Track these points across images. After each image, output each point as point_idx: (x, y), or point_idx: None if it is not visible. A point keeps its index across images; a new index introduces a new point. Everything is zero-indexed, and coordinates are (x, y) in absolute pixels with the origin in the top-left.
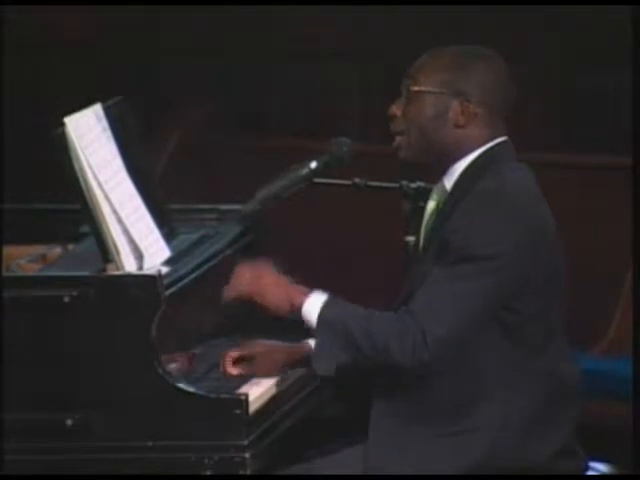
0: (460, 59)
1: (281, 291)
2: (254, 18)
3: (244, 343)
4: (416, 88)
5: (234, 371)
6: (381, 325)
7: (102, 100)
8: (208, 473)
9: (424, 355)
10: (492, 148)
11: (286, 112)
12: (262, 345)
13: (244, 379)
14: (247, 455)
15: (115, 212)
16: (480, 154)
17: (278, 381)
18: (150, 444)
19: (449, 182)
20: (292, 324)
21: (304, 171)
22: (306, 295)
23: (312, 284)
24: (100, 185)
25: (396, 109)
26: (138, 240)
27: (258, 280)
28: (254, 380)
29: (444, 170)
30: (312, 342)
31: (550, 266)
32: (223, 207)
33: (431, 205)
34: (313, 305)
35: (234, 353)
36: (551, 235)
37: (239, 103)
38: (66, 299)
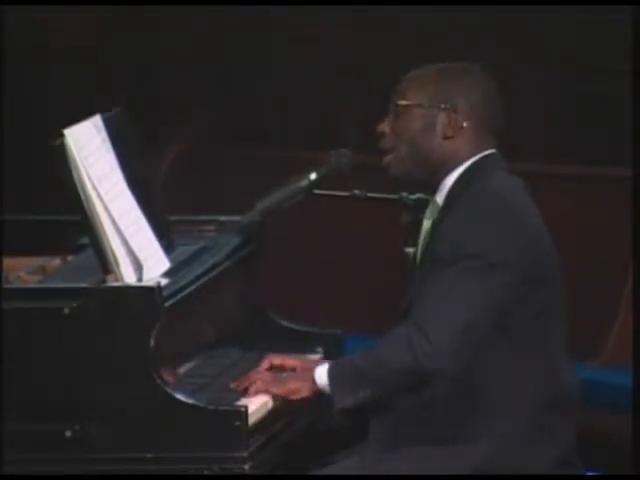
0: (446, 74)
1: (301, 380)
2: (254, 19)
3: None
4: (404, 102)
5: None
6: (384, 345)
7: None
8: None
9: (426, 349)
10: (480, 160)
11: (285, 121)
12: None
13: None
14: (247, 467)
15: (114, 223)
16: (468, 166)
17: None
18: (149, 456)
19: (440, 197)
20: (291, 336)
21: (304, 182)
22: (314, 369)
23: (312, 294)
24: (100, 196)
25: (385, 126)
26: (137, 251)
27: (284, 384)
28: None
29: (435, 187)
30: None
31: (543, 268)
32: (222, 218)
33: (426, 225)
34: (321, 373)
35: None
36: (541, 238)
37: (239, 112)
38: (66, 310)
